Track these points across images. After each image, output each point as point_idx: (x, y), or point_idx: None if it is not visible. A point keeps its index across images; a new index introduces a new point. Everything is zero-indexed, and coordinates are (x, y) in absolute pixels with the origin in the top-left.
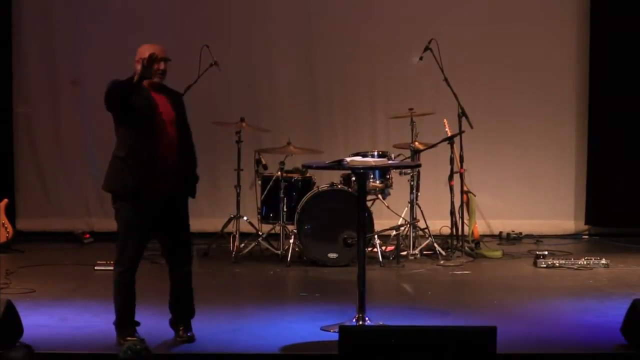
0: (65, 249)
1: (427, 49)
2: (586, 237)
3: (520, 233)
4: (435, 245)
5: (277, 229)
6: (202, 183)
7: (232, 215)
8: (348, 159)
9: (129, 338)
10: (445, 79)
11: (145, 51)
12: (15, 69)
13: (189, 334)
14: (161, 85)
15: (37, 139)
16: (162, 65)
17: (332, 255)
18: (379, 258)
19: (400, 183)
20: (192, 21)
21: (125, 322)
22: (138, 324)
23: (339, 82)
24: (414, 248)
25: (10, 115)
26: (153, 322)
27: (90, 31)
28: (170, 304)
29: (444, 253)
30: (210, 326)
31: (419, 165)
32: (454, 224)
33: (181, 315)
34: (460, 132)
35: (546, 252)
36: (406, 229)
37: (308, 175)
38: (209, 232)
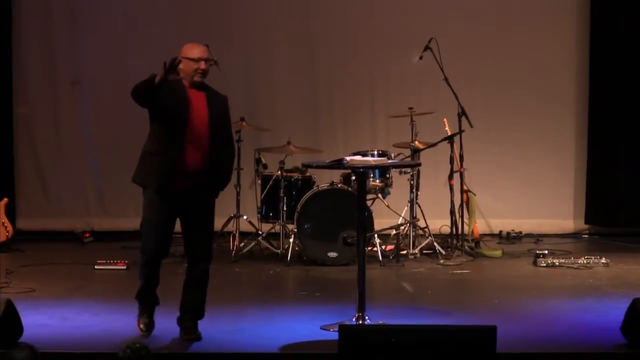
0: (65, 248)
1: (427, 48)
2: (586, 236)
3: (520, 232)
4: (435, 244)
5: (277, 228)
6: None
7: (232, 215)
8: (348, 158)
9: (144, 319)
10: (445, 79)
11: (188, 50)
12: (15, 69)
13: (195, 333)
14: (203, 85)
15: (37, 139)
16: (202, 65)
17: (332, 255)
18: (379, 257)
19: (400, 182)
20: (192, 21)
21: (143, 299)
22: (157, 303)
23: (339, 81)
24: (413, 247)
25: (10, 115)
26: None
27: (90, 31)
28: (182, 301)
29: (443, 252)
30: (211, 326)
31: (419, 165)
32: (453, 223)
33: (189, 313)
34: (460, 132)
35: (546, 252)
36: (406, 228)
37: (308, 174)
38: None
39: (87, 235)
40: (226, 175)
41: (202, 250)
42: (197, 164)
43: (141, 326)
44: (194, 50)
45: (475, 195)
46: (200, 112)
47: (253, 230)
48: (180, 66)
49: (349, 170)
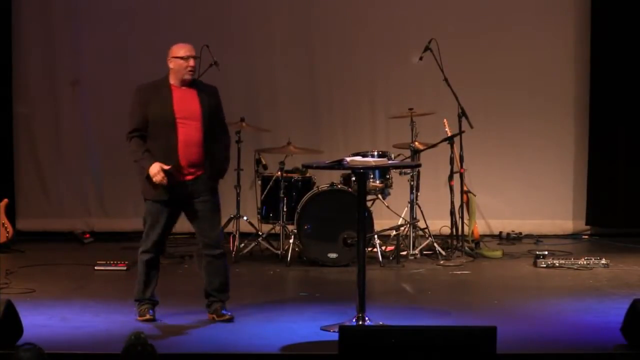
0: (65, 249)
1: (427, 49)
2: (586, 237)
3: (520, 233)
4: (435, 245)
5: (277, 228)
6: None
7: (232, 215)
8: (348, 159)
9: (145, 315)
10: (445, 79)
11: (176, 50)
12: (15, 69)
13: (228, 315)
14: (193, 81)
15: (37, 139)
16: (191, 62)
17: (332, 255)
18: (379, 258)
19: (400, 183)
20: (192, 21)
21: (141, 297)
22: (156, 303)
23: (339, 82)
24: (414, 248)
25: (10, 115)
26: (154, 322)
27: (90, 31)
28: (205, 286)
29: (444, 253)
30: (211, 326)
31: (419, 165)
32: (454, 224)
33: (214, 295)
34: (460, 132)
35: (546, 252)
36: (406, 229)
37: (308, 175)
38: None
39: (87, 235)
40: (223, 163)
41: (211, 236)
42: (193, 159)
43: (146, 316)
44: (182, 50)
45: (475, 196)
46: (191, 109)
47: (253, 231)
48: (171, 65)
49: (349, 171)
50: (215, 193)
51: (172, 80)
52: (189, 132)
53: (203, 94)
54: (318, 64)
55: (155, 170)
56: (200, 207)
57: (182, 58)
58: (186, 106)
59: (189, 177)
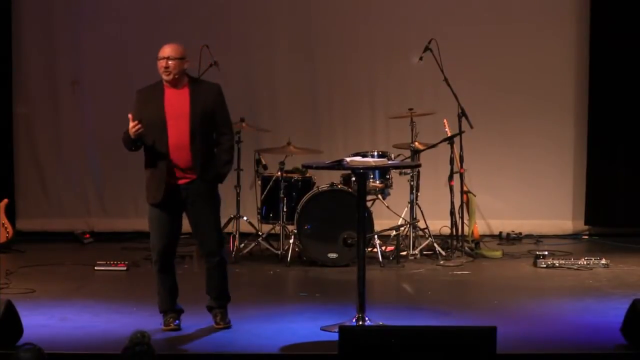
0: (65, 249)
1: (427, 49)
2: (586, 237)
3: (520, 233)
4: (435, 245)
5: (277, 229)
6: None
7: (232, 216)
8: (348, 159)
9: (169, 325)
10: (445, 79)
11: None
12: (15, 69)
13: (223, 322)
14: (191, 80)
15: (37, 139)
16: (162, 63)
17: (332, 255)
18: (379, 258)
19: (400, 183)
20: (192, 21)
21: (163, 309)
22: (180, 312)
23: (339, 82)
24: (414, 248)
25: (10, 115)
26: (154, 323)
27: (90, 31)
28: (205, 289)
29: (444, 253)
30: (210, 326)
31: (419, 165)
32: (454, 224)
33: (213, 301)
34: (460, 132)
35: (546, 252)
36: (406, 229)
37: (308, 175)
38: None
39: (87, 236)
40: (221, 167)
41: (207, 243)
42: (183, 162)
43: (171, 326)
44: (159, 51)
45: (475, 196)
46: (180, 110)
47: (253, 231)
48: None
49: (349, 171)
50: (211, 198)
51: (165, 82)
52: (179, 134)
53: (197, 93)
54: (318, 64)
55: (130, 126)
56: (194, 213)
57: (157, 59)
58: (176, 107)
59: (183, 181)
